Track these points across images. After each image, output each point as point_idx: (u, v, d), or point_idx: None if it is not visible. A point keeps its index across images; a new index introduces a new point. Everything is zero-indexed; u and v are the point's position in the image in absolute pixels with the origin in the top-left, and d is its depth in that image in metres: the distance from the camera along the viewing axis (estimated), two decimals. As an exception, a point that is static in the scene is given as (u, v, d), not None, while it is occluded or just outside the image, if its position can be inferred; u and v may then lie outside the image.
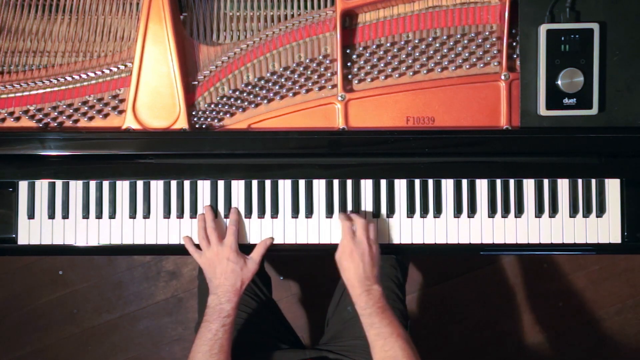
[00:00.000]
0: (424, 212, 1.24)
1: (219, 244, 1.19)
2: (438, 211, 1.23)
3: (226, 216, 1.24)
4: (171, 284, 2.07)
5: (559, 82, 1.15)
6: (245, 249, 1.23)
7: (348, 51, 1.21)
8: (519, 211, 1.23)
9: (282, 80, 1.21)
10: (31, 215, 1.23)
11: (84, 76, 1.21)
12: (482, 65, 1.21)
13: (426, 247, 1.24)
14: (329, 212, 1.23)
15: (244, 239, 1.24)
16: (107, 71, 1.21)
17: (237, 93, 1.21)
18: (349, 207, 1.23)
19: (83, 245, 1.24)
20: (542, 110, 1.16)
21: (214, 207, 1.24)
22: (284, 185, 1.24)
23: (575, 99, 1.16)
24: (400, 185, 1.24)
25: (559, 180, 1.24)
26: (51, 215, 1.23)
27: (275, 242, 1.24)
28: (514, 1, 1.17)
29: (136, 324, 2.08)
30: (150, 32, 1.19)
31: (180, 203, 1.24)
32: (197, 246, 1.22)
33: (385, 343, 1.10)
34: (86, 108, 1.21)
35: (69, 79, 1.21)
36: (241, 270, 1.18)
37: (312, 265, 2.04)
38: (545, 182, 1.24)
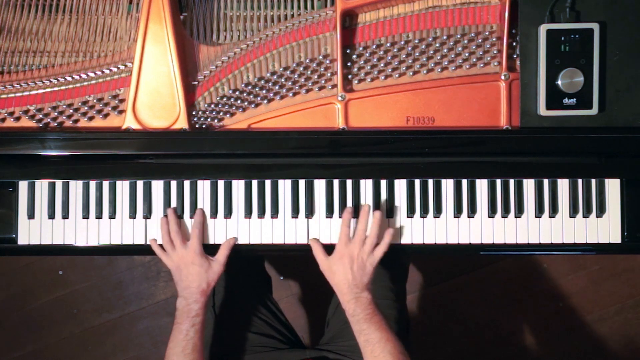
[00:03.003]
0: (424, 212, 1.24)
1: (183, 247, 1.19)
2: (438, 211, 1.23)
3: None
4: (171, 284, 2.06)
5: (559, 82, 1.15)
6: (246, 250, 1.23)
7: (348, 51, 1.21)
8: (519, 211, 1.23)
9: (282, 80, 1.21)
10: (31, 215, 1.23)
11: (84, 76, 1.21)
12: (482, 65, 1.21)
13: (426, 247, 1.24)
14: (329, 212, 1.23)
15: (208, 239, 1.23)
16: (107, 71, 1.21)
17: (237, 93, 1.21)
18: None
19: (83, 245, 1.24)
20: (542, 110, 1.16)
21: (178, 209, 1.23)
22: (284, 185, 1.24)
23: (575, 99, 1.15)
24: (400, 185, 1.24)
25: (559, 180, 1.24)
26: (51, 215, 1.23)
27: (275, 242, 1.24)
28: (514, 1, 1.17)
29: (136, 324, 2.08)
30: (150, 32, 1.19)
31: (180, 203, 1.24)
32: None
33: (374, 349, 1.10)
34: (86, 108, 1.21)
35: (69, 79, 1.20)
36: (206, 273, 1.19)
37: (312, 265, 2.03)
38: (545, 182, 1.24)
